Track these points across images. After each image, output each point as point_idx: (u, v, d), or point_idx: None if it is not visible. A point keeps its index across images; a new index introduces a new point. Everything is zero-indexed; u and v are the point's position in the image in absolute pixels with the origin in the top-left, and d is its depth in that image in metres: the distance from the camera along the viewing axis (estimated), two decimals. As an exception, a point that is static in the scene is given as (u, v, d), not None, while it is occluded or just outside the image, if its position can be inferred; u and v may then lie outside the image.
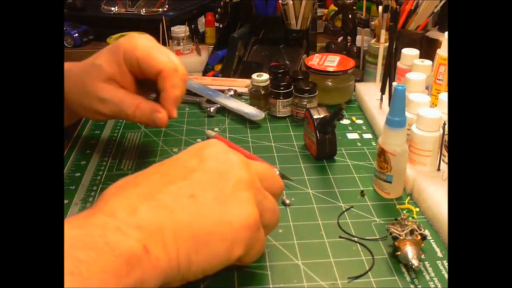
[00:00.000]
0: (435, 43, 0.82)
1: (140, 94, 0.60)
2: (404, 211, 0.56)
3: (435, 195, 0.54)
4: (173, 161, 0.43)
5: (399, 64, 0.74)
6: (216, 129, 0.73)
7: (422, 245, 0.48)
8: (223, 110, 0.80)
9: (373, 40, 0.90)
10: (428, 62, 0.71)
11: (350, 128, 0.75)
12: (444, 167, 0.59)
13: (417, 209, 0.56)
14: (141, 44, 0.57)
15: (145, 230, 0.36)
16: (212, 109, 0.79)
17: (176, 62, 0.59)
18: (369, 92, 0.80)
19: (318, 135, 0.64)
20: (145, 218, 0.37)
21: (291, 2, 0.93)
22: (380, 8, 0.80)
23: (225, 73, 0.99)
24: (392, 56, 0.70)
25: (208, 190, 0.40)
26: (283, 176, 0.62)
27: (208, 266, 0.39)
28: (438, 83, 0.69)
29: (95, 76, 0.58)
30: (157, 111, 0.57)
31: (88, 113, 0.61)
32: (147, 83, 0.60)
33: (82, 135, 0.74)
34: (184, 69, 0.60)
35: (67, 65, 0.60)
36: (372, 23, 0.96)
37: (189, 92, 0.86)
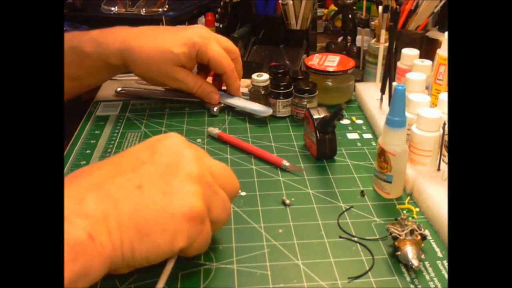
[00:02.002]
0: (435, 43, 0.82)
1: (199, 73, 0.81)
2: (404, 211, 0.56)
3: (435, 195, 0.54)
4: (126, 153, 0.45)
5: (399, 64, 0.74)
6: (217, 129, 0.73)
7: (422, 245, 0.48)
8: (225, 110, 0.80)
9: (373, 40, 0.90)
10: (428, 62, 0.71)
11: (350, 128, 0.75)
12: (444, 167, 0.59)
13: (417, 209, 0.56)
14: (213, 48, 0.75)
15: (91, 218, 0.38)
16: (215, 108, 0.79)
17: (235, 49, 0.79)
18: (369, 92, 0.80)
19: (318, 135, 0.64)
20: (91, 208, 0.38)
21: (291, 2, 0.93)
22: (380, 8, 0.80)
23: (225, 73, 0.99)
24: (392, 56, 0.70)
25: (155, 182, 0.41)
26: (292, 166, 0.63)
27: (151, 255, 0.41)
28: (438, 83, 0.69)
29: (172, 61, 0.74)
30: (214, 92, 0.79)
31: (156, 83, 0.80)
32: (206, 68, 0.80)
33: (82, 135, 0.74)
34: (239, 53, 0.80)
35: (130, 37, 0.74)
36: (372, 23, 0.96)
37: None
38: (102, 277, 0.39)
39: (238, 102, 0.79)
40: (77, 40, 0.74)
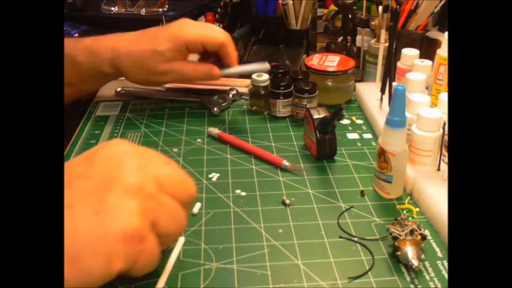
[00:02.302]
0: (435, 43, 0.82)
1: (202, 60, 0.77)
2: (404, 211, 0.56)
3: (435, 195, 0.54)
4: (65, 166, 0.40)
5: (399, 64, 0.74)
6: (217, 129, 0.73)
7: (422, 245, 0.48)
8: (225, 110, 0.81)
9: (373, 40, 0.90)
10: (428, 62, 0.71)
11: (350, 128, 0.75)
12: (444, 167, 0.59)
13: (417, 209, 0.56)
14: (200, 31, 0.73)
15: None
16: (215, 108, 0.79)
17: (225, 32, 0.76)
18: (369, 92, 0.80)
19: (318, 135, 0.64)
20: None
21: (291, 2, 0.93)
22: (380, 8, 0.80)
23: (225, 73, 0.99)
24: (392, 56, 0.70)
25: (87, 199, 0.38)
26: (293, 166, 0.63)
27: (86, 281, 0.36)
28: (438, 83, 0.69)
29: (158, 60, 0.72)
30: (213, 68, 0.75)
31: (152, 83, 0.79)
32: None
33: (82, 135, 0.74)
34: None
35: (119, 45, 0.74)
36: (372, 23, 0.96)
37: (190, 92, 0.86)
38: None
39: (238, 69, 0.77)
40: (71, 48, 0.73)
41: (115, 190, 0.38)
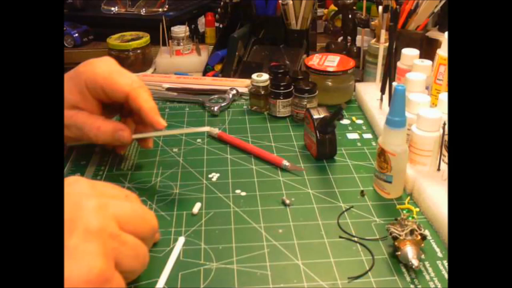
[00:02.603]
0: (435, 43, 0.82)
1: (106, 115, 0.62)
2: (404, 211, 0.56)
3: (435, 195, 0.54)
4: None
5: (399, 64, 0.74)
6: (217, 129, 0.73)
7: (422, 245, 0.48)
8: (225, 110, 0.81)
9: (373, 40, 0.90)
10: (428, 62, 0.71)
11: (350, 128, 0.75)
12: (444, 167, 0.59)
13: (417, 209, 0.56)
14: (101, 71, 0.59)
15: None
16: (216, 108, 0.79)
17: (140, 81, 0.61)
18: (369, 92, 0.80)
19: (318, 135, 0.64)
20: None
21: (291, 2, 0.93)
22: (380, 8, 0.80)
23: (225, 73, 0.99)
24: (392, 56, 0.70)
25: None
26: (293, 166, 0.63)
27: None
28: (438, 83, 0.69)
29: None
30: (120, 129, 0.59)
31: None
32: (112, 105, 0.62)
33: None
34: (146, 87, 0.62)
35: None
36: (372, 23, 0.96)
37: (190, 92, 0.86)
38: None
39: (160, 132, 0.64)
40: None
41: (76, 233, 0.38)
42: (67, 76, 0.60)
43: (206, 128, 0.69)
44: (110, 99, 0.60)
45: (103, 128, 0.59)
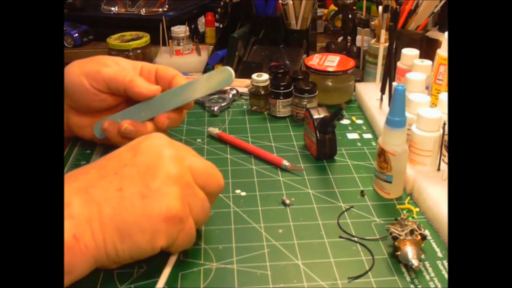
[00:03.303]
0: (435, 43, 0.82)
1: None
2: (404, 211, 0.56)
3: (435, 195, 0.54)
4: (111, 155, 0.46)
5: (399, 64, 0.74)
6: (217, 129, 0.73)
7: (422, 245, 0.48)
8: (225, 110, 0.81)
9: (373, 40, 0.90)
10: (428, 62, 0.71)
11: (350, 128, 0.75)
12: (444, 167, 0.59)
13: (417, 209, 0.56)
14: (104, 72, 0.61)
15: (76, 220, 0.41)
16: (216, 108, 0.79)
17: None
18: (369, 92, 0.80)
19: (318, 135, 0.64)
20: (76, 211, 0.41)
21: (291, 2, 0.93)
22: (380, 8, 0.80)
23: (225, 73, 0.99)
24: (392, 56, 0.70)
25: (134, 184, 0.43)
26: (293, 166, 0.63)
27: (134, 254, 0.43)
28: (438, 83, 0.69)
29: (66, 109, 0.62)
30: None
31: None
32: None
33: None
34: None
35: None
36: (372, 23, 0.96)
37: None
38: (88, 274, 0.42)
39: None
40: None
41: (158, 177, 0.43)
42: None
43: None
44: (111, 90, 0.62)
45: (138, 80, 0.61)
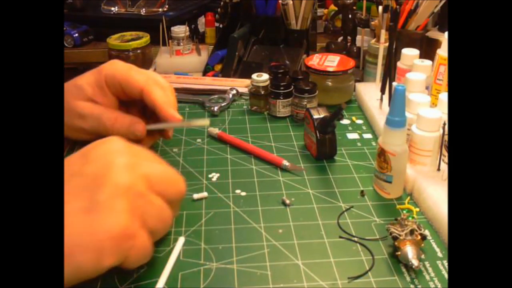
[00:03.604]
0: (435, 43, 0.82)
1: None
2: (404, 211, 0.56)
3: (435, 195, 0.54)
4: (65, 162, 0.42)
5: (399, 64, 0.74)
6: (217, 129, 0.73)
7: (422, 245, 0.48)
8: (225, 110, 0.81)
9: (373, 40, 0.90)
10: (428, 62, 0.71)
11: (350, 128, 0.75)
12: (444, 167, 0.59)
13: (417, 209, 0.56)
14: (120, 68, 0.62)
15: None
16: (216, 108, 0.79)
17: (157, 78, 0.63)
18: (369, 92, 0.80)
19: (318, 135, 0.64)
20: None
21: (291, 2, 0.93)
22: (380, 8, 0.80)
23: (225, 73, 0.99)
24: (392, 56, 0.70)
25: (79, 197, 0.39)
26: (293, 166, 0.63)
27: (79, 275, 0.39)
28: (438, 83, 0.69)
29: (75, 95, 0.61)
30: (136, 122, 0.61)
31: (71, 131, 0.63)
32: (129, 103, 0.64)
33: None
34: (167, 83, 0.64)
35: None
36: (372, 23, 0.96)
37: (190, 92, 0.86)
38: None
39: (170, 124, 0.62)
40: None
41: (105, 189, 0.39)
42: (90, 71, 0.63)
43: (206, 122, 0.62)
44: (127, 95, 0.62)
45: (120, 119, 0.61)
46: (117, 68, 0.62)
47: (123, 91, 0.61)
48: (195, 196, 0.58)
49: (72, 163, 0.42)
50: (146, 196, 0.42)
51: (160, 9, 1.32)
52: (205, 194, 0.59)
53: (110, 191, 0.40)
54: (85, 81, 0.62)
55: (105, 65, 0.63)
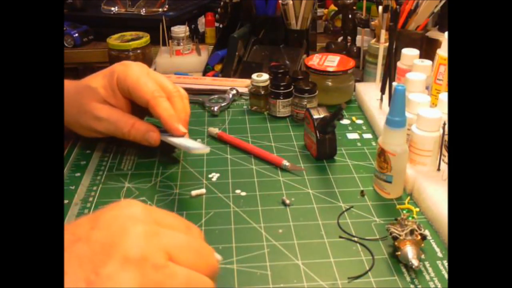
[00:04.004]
0: (435, 43, 0.82)
1: (135, 115, 0.64)
2: (404, 211, 0.56)
3: (435, 195, 0.54)
4: (68, 226, 0.37)
5: (399, 64, 0.74)
6: (217, 129, 0.73)
7: (422, 245, 0.48)
8: (225, 110, 0.81)
9: (373, 40, 0.90)
10: (428, 62, 0.71)
11: (350, 128, 0.75)
12: (444, 167, 0.59)
13: (417, 209, 0.56)
14: (131, 74, 0.62)
15: None
16: (216, 108, 0.79)
17: (166, 84, 0.63)
18: (369, 92, 0.80)
19: (318, 135, 0.64)
20: None
21: (291, 2, 0.93)
22: (380, 8, 0.80)
23: (225, 73, 0.99)
24: (392, 56, 0.70)
25: (82, 267, 0.34)
26: (293, 166, 0.63)
27: None
28: (438, 83, 0.69)
29: (91, 97, 0.62)
30: (152, 131, 0.62)
31: (84, 130, 0.65)
32: (142, 107, 0.63)
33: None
34: (179, 90, 0.65)
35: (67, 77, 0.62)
36: (372, 23, 0.96)
37: (190, 92, 0.86)
38: None
39: (177, 140, 0.61)
40: None
41: (113, 258, 0.34)
42: (102, 71, 0.63)
43: (207, 150, 0.60)
44: (136, 101, 0.63)
45: (137, 126, 0.62)
46: (128, 73, 0.62)
47: (132, 97, 0.62)
48: (193, 193, 0.58)
49: (78, 226, 0.37)
50: (164, 268, 0.35)
51: (160, 9, 1.32)
52: (203, 190, 0.59)
53: (118, 263, 0.34)
54: (99, 83, 0.62)
55: (118, 67, 0.63)
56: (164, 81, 0.64)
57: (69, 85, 0.63)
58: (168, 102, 0.61)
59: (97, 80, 0.63)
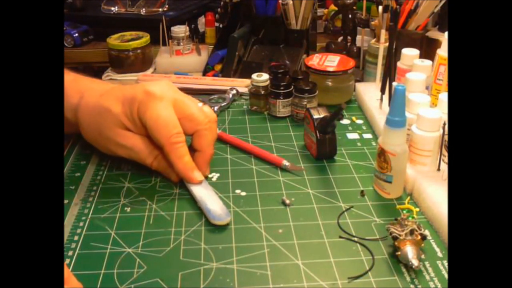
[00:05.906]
0: (435, 43, 0.82)
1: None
2: (404, 211, 0.56)
3: (435, 195, 0.54)
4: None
5: (399, 64, 0.74)
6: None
7: (422, 245, 0.48)
8: (225, 110, 0.81)
9: (373, 40, 0.90)
10: (428, 62, 0.71)
11: (350, 128, 0.75)
12: (444, 167, 0.59)
13: (417, 209, 0.56)
14: (152, 109, 0.57)
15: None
16: (216, 108, 0.79)
17: (198, 118, 0.60)
18: (369, 92, 0.80)
19: (318, 135, 0.64)
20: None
21: (291, 2, 0.93)
22: (380, 8, 0.80)
23: (225, 73, 0.99)
24: (392, 56, 0.70)
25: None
26: (293, 166, 0.63)
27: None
28: (438, 83, 0.69)
29: (112, 123, 0.59)
30: (172, 172, 0.61)
31: (103, 148, 0.63)
32: None
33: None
34: (211, 119, 0.61)
35: (88, 93, 0.62)
36: (372, 23, 0.96)
37: (190, 92, 0.86)
38: None
39: (198, 193, 0.58)
40: None
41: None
42: (123, 94, 0.60)
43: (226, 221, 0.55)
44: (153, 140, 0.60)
45: (160, 159, 0.61)
46: (148, 107, 0.57)
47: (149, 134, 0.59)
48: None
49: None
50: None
51: (160, 9, 1.31)
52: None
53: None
54: (119, 109, 0.59)
55: (140, 95, 0.58)
56: (194, 111, 0.60)
57: (90, 101, 0.61)
58: (185, 147, 0.59)
59: (117, 106, 0.59)
